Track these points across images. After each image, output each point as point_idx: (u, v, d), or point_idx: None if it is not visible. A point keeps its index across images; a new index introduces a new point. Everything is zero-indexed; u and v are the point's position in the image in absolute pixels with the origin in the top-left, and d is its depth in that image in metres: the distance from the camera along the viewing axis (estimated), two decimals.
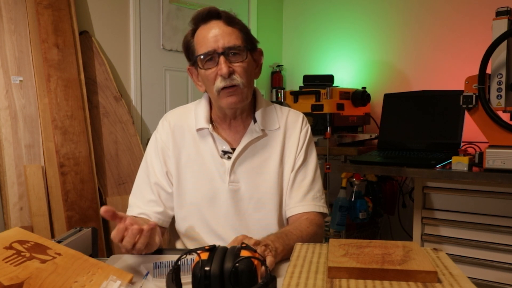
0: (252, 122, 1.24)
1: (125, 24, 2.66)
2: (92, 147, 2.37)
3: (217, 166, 1.22)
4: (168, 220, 1.26)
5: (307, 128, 1.30)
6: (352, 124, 2.77)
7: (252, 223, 1.21)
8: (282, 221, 1.24)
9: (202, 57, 1.16)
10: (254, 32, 1.49)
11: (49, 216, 2.19)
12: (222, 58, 1.14)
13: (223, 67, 1.13)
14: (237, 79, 1.15)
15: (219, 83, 1.15)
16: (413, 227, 2.07)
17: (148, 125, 2.75)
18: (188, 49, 1.21)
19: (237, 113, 1.24)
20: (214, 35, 1.15)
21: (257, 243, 0.92)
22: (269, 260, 0.89)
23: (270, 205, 1.22)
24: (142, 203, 1.23)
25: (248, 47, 1.18)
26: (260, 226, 1.21)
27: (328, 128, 2.60)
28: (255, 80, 1.28)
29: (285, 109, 1.32)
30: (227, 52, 1.14)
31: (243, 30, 1.19)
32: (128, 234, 0.97)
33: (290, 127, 1.28)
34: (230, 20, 1.18)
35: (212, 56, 1.15)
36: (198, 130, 1.24)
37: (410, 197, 2.58)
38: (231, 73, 1.14)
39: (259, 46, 1.26)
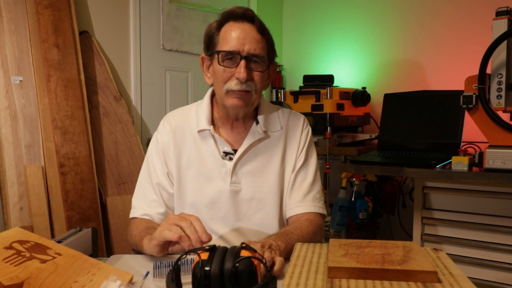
0: (255, 123, 1.25)
1: (125, 24, 2.66)
2: (92, 147, 2.37)
3: (218, 167, 1.22)
4: None
5: (308, 129, 1.31)
6: (352, 124, 2.76)
7: (252, 224, 1.21)
8: (283, 222, 1.25)
9: (223, 54, 1.15)
10: None
11: (49, 216, 2.19)
12: (243, 62, 1.13)
13: (242, 72, 1.13)
14: (252, 86, 1.15)
15: (234, 85, 1.14)
16: (413, 227, 2.07)
17: (148, 125, 2.75)
18: (210, 40, 1.20)
19: (239, 115, 1.24)
20: (242, 37, 1.14)
21: (262, 246, 0.92)
22: (278, 260, 0.89)
23: (270, 206, 1.22)
24: (145, 204, 1.23)
25: (269, 60, 1.19)
26: (261, 227, 1.21)
27: (328, 128, 2.60)
28: None
29: (286, 110, 1.32)
30: (250, 58, 1.14)
31: (270, 42, 1.20)
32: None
33: (291, 129, 1.28)
34: (262, 29, 1.18)
35: (233, 56, 1.14)
36: (200, 131, 1.24)
37: (410, 197, 2.58)
38: (247, 79, 1.14)
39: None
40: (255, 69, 1.16)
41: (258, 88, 1.17)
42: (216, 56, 1.16)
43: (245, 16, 1.17)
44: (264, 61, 1.17)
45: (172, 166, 1.24)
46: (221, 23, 1.19)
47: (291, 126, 1.29)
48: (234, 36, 1.14)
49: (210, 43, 1.20)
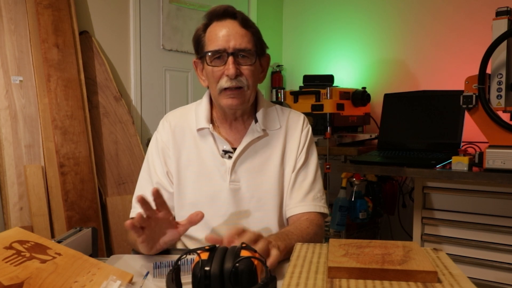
0: (253, 122, 1.25)
1: (125, 24, 2.66)
2: (92, 147, 2.37)
3: (218, 165, 1.22)
4: None
5: (308, 128, 1.31)
6: (352, 124, 2.77)
7: (252, 223, 1.21)
8: (283, 221, 1.24)
9: (210, 54, 1.16)
10: None
11: (49, 216, 2.19)
12: (230, 59, 1.14)
13: (231, 68, 1.13)
14: (243, 81, 1.15)
15: (224, 83, 1.15)
16: (413, 227, 2.07)
17: (148, 125, 2.75)
18: (198, 43, 1.21)
19: (237, 114, 1.24)
20: (226, 34, 1.15)
21: (257, 237, 0.91)
22: (274, 253, 0.88)
23: (270, 204, 1.22)
24: None
25: (257, 52, 1.19)
26: (260, 225, 1.21)
27: (328, 128, 2.60)
28: None
29: (286, 109, 1.32)
30: (236, 54, 1.15)
31: (256, 35, 1.19)
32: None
33: (291, 128, 1.28)
34: (245, 22, 1.18)
35: (221, 55, 1.15)
36: (199, 130, 1.24)
37: (410, 197, 2.58)
38: (237, 75, 1.14)
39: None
40: (244, 63, 1.16)
41: (250, 83, 1.17)
42: (205, 57, 1.17)
43: (226, 13, 1.17)
44: (252, 53, 1.17)
45: (171, 165, 1.24)
46: (206, 25, 1.20)
47: (291, 125, 1.29)
48: (219, 35, 1.15)
49: (198, 46, 1.22)
